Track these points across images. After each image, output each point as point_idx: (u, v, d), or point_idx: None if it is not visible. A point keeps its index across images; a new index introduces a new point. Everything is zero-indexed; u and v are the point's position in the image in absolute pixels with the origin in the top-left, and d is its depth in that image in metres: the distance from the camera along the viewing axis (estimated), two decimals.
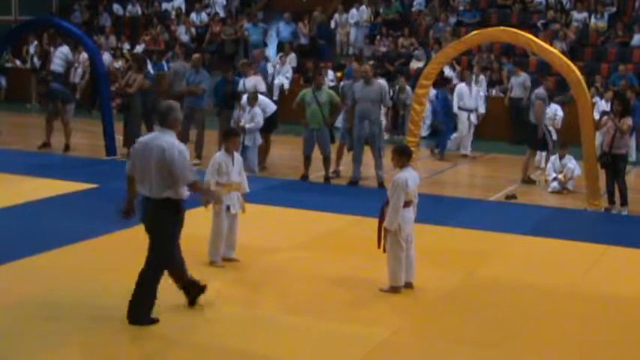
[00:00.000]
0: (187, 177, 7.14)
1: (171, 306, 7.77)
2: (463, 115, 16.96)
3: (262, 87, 15.45)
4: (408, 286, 8.35)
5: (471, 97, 17.07)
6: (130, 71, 16.19)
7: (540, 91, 14.52)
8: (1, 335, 6.97)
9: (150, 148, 7.16)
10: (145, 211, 7.27)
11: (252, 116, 13.86)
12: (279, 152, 15.86)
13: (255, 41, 22.88)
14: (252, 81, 15.28)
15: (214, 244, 9.03)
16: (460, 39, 14.98)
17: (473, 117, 17.06)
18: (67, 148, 16.06)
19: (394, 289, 8.25)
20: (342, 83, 15.91)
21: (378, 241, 8.27)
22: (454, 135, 17.17)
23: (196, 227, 10.41)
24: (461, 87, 17.22)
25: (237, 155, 9.18)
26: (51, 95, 16.29)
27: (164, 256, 7.34)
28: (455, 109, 16.92)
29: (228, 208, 9.00)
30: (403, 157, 8.34)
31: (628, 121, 12.26)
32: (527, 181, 14.23)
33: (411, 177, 8.25)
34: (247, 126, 13.69)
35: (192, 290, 7.69)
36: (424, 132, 18.56)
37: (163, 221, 7.21)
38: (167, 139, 7.12)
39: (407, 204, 8.22)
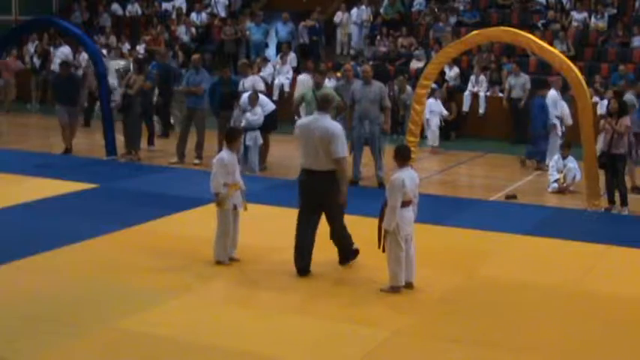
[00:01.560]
0: (340, 152, 8.53)
1: (171, 306, 7.79)
2: (558, 124, 15.68)
3: (260, 86, 15.43)
4: (409, 286, 8.35)
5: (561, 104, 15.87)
6: (130, 72, 16.19)
7: (629, 97, 14.38)
8: (1, 334, 6.98)
9: (312, 129, 8.57)
10: (311, 182, 8.66)
11: (253, 114, 13.93)
12: (279, 152, 15.84)
13: (256, 41, 22.87)
14: (251, 81, 15.27)
15: (221, 244, 9.01)
16: (460, 39, 14.98)
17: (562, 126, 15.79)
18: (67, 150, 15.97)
19: (394, 289, 8.25)
20: (334, 84, 15.84)
21: (378, 241, 8.27)
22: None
23: (194, 227, 10.45)
24: (554, 94, 15.91)
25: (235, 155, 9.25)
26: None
27: (340, 208, 8.82)
28: (553, 119, 15.53)
29: (235, 207, 9.03)
30: (400, 157, 8.36)
31: (625, 122, 12.26)
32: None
33: (409, 177, 8.25)
34: (251, 118, 13.75)
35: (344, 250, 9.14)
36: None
37: (333, 187, 8.56)
38: (328, 121, 8.64)
39: (406, 204, 8.23)
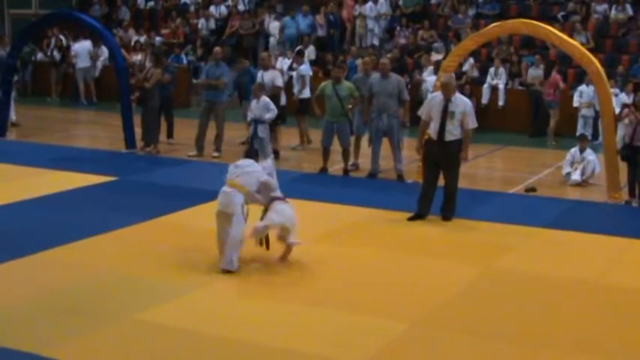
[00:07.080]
0: (473, 124, 10.65)
1: (189, 298, 7.81)
2: None
3: (279, 81, 15.37)
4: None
5: None
6: (149, 65, 16.21)
7: None
8: (22, 325, 7.03)
9: (438, 102, 10.51)
10: (439, 149, 10.61)
11: (266, 106, 13.71)
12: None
13: (289, 34, 22.77)
14: (271, 74, 15.22)
15: (237, 252, 8.55)
16: (479, 31, 14.90)
17: None
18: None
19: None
20: (354, 76, 15.76)
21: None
22: None
23: (212, 220, 10.45)
24: None
25: None
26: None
27: (458, 172, 10.81)
28: None
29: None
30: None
31: None
32: None
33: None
34: (254, 107, 13.64)
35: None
36: None
37: (457, 154, 10.67)
38: (462, 97, 10.69)
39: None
